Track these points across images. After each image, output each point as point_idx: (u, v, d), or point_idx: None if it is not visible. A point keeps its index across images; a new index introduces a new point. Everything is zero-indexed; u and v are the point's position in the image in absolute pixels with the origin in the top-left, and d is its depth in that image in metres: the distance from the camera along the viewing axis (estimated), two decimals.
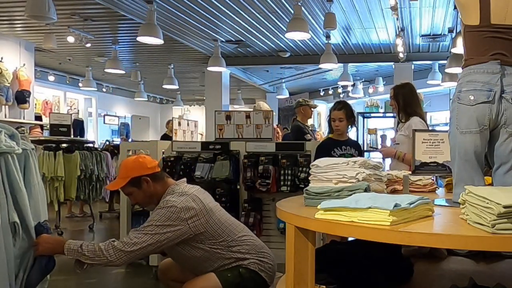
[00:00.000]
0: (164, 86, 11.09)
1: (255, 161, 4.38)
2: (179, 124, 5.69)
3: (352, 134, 7.53)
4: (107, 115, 15.23)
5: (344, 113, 4.04)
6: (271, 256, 2.72)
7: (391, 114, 7.29)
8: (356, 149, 4.08)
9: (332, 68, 9.80)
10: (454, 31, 7.58)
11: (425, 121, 3.73)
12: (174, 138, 5.36)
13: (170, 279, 2.81)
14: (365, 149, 7.42)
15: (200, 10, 7.09)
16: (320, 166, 2.08)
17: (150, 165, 2.57)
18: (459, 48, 6.38)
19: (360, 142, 7.50)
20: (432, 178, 2.61)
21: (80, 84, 12.27)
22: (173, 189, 2.54)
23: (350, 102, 14.32)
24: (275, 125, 6.90)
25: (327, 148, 3.98)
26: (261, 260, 2.65)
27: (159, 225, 2.38)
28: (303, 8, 6.37)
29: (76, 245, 2.29)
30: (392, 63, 10.03)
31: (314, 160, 3.97)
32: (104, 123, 15.12)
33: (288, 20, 6.68)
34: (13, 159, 1.79)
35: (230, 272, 2.52)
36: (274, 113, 4.90)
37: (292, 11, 6.43)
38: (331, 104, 6.71)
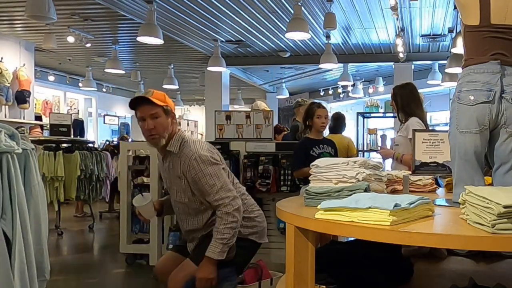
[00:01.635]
0: (164, 86, 11.08)
1: (255, 161, 4.38)
2: (179, 124, 5.69)
3: (352, 134, 7.57)
4: (107, 115, 15.23)
5: (327, 111, 4.15)
6: (261, 214, 2.78)
7: (391, 114, 7.29)
8: (332, 147, 4.17)
9: (332, 68, 9.80)
10: (454, 31, 7.58)
11: (425, 122, 3.72)
12: None
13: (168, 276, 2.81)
14: (365, 149, 7.43)
15: (200, 10, 7.09)
16: (320, 166, 2.08)
17: (174, 108, 2.67)
18: (459, 48, 6.38)
19: (360, 142, 7.51)
20: (433, 178, 2.61)
21: (80, 84, 12.27)
22: (183, 136, 2.59)
23: (350, 102, 14.27)
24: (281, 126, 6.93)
25: (305, 147, 4.05)
26: (249, 221, 2.66)
27: (213, 164, 2.48)
28: (303, 8, 6.37)
29: (217, 248, 2.41)
30: (392, 63, 10.02)
31: (294, 160, 4.02)
32: (104, 123, 15.11)
33: (288, 20, 6.68)
34: (13, 159, 1.79)
35: None
36: (273, 113, 4.90)
37: (292, 11, 6.43)
38: (331, 104, 6.75)
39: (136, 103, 2.48)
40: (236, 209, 2.46)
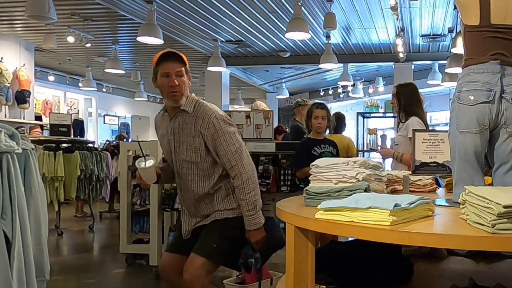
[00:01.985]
0: None
1: (255, 161, 4.36)
2: None
3: (352, 134, 7.57)
4: (107, 115, 15.23)
5: (326, 112, 4.15)
6: None
7: (391, 114, 7.29)
8: (334, 147, 4.20)
9: (332, 68, 9.81)
10: (454, 31, 7.58)
11: (425, 122, 3.72)
12: None
13: (172, 274, 2.80)
14: (365, 149, 7.43)
15: (200, 10, 7.09)
16: (320, 166, 2.08)
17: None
18: (459, 48, 6.38)
19: (360, 142, 7.52)
20: (433, 178, 2.61)
21: (80, 84, 12.27)
22: (197, 98, 2.61)
23: (350, 102, 14.26)
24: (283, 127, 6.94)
25: (306, 147, 4.07)
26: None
27: (232, 125, 2.52)
28: (303, 8, 6.37)
29: (253, 219, 2.48)
30: (392, 63, 10.03)
31: (296, 160, 4.03)
32: (104, 123, 15.12)
33: (288, 20, 6.68)
34: (13, 159, 1.79)
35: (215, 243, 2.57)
36: (273, 113, 4.90)
37: (292, 11, 6.43)
38: (331, 104, 6.75)
39: (164, 59, 2.50)
40: (252, 172, 2.49)
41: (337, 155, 4.15)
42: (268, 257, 2.76)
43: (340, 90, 13.31)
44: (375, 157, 7.69)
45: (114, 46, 9.11)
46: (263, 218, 2.53)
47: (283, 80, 13.21)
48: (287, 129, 7.01)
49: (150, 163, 2.58)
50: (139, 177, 2.66)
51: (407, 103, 3.69)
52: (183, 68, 2.52)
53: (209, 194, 2.57)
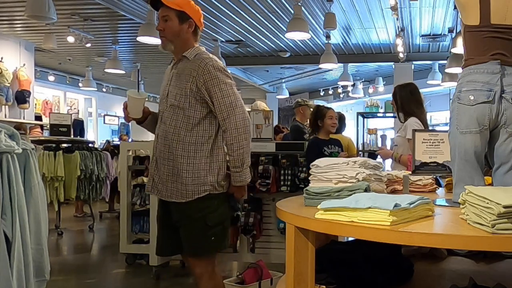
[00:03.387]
0: None
1: (255, 161, 4.38)
2: None
3: (352, 134, 7.57)
4: (107, 115, 15.23)
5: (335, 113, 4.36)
6: None
7: (391, 114, 7.29)
8: (340, 146, 4.36)
9: (332, 68, 9.81)
10: (454, 31, 7.58)
11: (425, 122, 3.70)
12: None
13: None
14: (365, 149, 7.42)
15: (200, 10, 7.09)
16: (320, 166, 2.08)
17: (201, 19, 2.55)
18: (459, 48, 6.38)
19: (360, 142, 7.51)
20: (433, 178, 2.61)
21: (80, 84, 12.27)
22: (203, 50, 2.52)
23: (350, 102, 14.27)
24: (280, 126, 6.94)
25: (318, 147, 4.17)
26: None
27: (229, 77, 2.42)
28: (303, 8, 6.37)
29: (239, 176, 2.41)
30: (392, 63, 10.03)
31: (307, 160, 4.06)
32: (104, 123, 15.12)
33: (288, 20, 6.68)
34: (13, 159, 1.79)
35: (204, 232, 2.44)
36: (273, 113, 4.91)
37: (292, 11, 6.43)
38: (331, 104, 6.76)
39: (154, 4, 2.49)
40: (244, 129, 2.37)
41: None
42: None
43: (340, 90, 13.32)
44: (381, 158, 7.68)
45: (114, 46, 9.11)
46: (249, 176, 2.46)
47: (283, 80, 13.21)
48: (284, 128, 7.02)
49: (142, 95, 2.54)
50: (125, 107, 2.57)
51: (404, 103, 3.69)
52: (170, 13, 2.44)
53: (188, 151, 2.39)
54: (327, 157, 2.50)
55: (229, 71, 2.47)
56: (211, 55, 2.48)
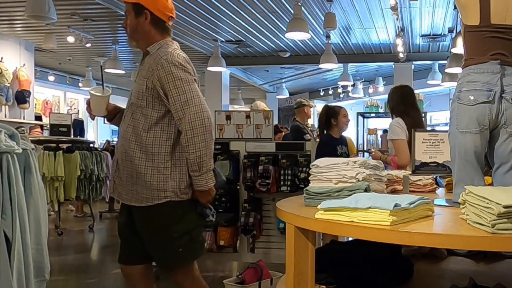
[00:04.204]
0: None
1: (255, 161, 4.38)
2: None
3: (352, 134, 7.58)
4: None
5: None
6: None
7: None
8: (346, 146, 4.52)
9: (332, 68, 9.81)
10: (454, 31, 7.58)
11: (417, 123, 3.57)
12: None
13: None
14: (365, 149, 7.43)
15: (200, 10, 7.10)
16: (320, 166, 2.08)
17: (164, 9, 2.30)
18: (459, 48, 6.38)
19: (360, 142, 7.52)
20: (433, 178, 2.61)
21: (80, 84, 12.27)
22: (168, 43, 2.31)
23: (350, 102, 14.32)
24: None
25: (332, 145, 4.30)
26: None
27: (185, 71, 2.20)
28: (303, 8, 6.37)
29: (200, 180, 2.21)
30: (392, 63, 10.03)
31: (319, 157, 4.10)
32: (104, 123, 14.86)
33: (288, 20, 6.68)
34: (13, 159, 1.79)
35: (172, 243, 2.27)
36: (273, 113, 4.92)
37: (292, 11, 6.43)
38: (332, 104, 6.75)
39: None
40: (202, 130, 2.15)
41: (348, 154, 4.42)
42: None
43: (340, 90, 13.32)
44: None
45: (114, 46, 9.12)
46: (212, 181, 2.25)
47: (283, 80, 13.22)
48: (283, 128, 7.02)
49: (106, 92, 2.44)
50: (88, 104, 2.46)
51: (395, 105, 3.70)
52: (128, 8, 2.29)
53: (146, 153, 2.22)
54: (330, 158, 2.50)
55: (189, 66, 2.25)
56: (174, 48, 2.27)
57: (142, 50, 2.36)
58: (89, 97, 2.48)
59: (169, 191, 2.22)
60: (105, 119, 2.55)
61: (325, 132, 4.49)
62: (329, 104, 4.84)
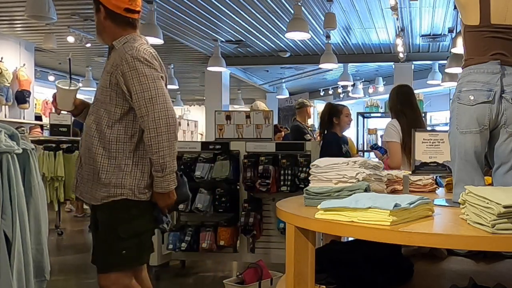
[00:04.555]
0: None
1: (255, 161, 4.38)
2: (179, 124, 5.70)
3: (352, 134, 7.59)
4: None
5: None
6: None
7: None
8: (347, 144, 4.55)
9: (332, 68, 9.81)
10: (454, 31, 7.58)
11: (417, 122, 3.57)
12: None
13: None
14: (365, 149, 7.43)
15: (200, 10, 7.09)
16: (320, 166, 2.08)
17: (117, 1, 2.19)
18: (459, 48, 6.38)
19: (360, 142, 7.52)
20: (433, 178, 2.61)
21: (80, 84, 12.24)
22: (134, 37, 2.22)
23: (350, 102, 14.32)
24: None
25: (339, 144, 4.34)
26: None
27: (150, 67, 2.11)
28: (303, 8, 6.37)
29: (162, 182, 2.12)
30: (392, 63, 10.03)
31: (325, 154, 4.12)
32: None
33: (288, 20, 6.68)
34: (13, 159, 1.80)
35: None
36: (273, 113, 4.93)
37: (292, 11, 6.43)
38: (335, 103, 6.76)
39: None
40: (166, 128, 2.06)
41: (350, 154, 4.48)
42: (171, 212, 2.41)
43: (340, 90, 13.31)
44: (375, 157, 7.69)
45: None
46: (174, 183, 2.16)
47: (283, 80, 13.21)
48: (282, 128, 7.02)
49: (73, 86, 2.38)
50: (54, 98, 2.39)
51: (393, 105, 3.69)
52: (95, 5, 2.22)
53: (109, 150, 2.15)
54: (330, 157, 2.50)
55: (156, 62, 2.16)
56: (141, 43, 2.18)
57: (109, 45, 2.28)
58: (55, 90, 2.40)
59: (127, 189, 2.14)
60: (72, 114, 2.49)
61: (325, 131, 4.48)
62: (332, 103, 4.82)
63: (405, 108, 3.55)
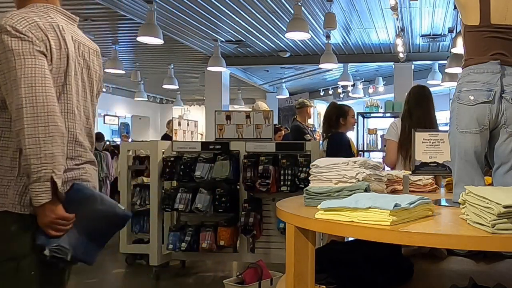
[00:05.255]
0: (164, 86, 11.09)
1: (255, 161, 4.39)
2: (179, 124, 5.70)
3: (352, 134, 7.58)
4: (107, 115, 15.23)
5: None
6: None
7: (391, 114, 7.29)
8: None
9: (332, 68, 9.81)
10: (454, 31, 7.58)
11: (428, 121, 3.57)
12: (174, 138, 5.37)
13: None
14: (365, 149, 7.43)
15: (200, 10, 7.09)
16: (320, 166, 2.08)
17: None
18: (459, 48, 6.38)
19: (360, 142, 7.52)
20: (433, 178, 2.61)
21: None
22: (33, 6, 1.71)
23: (350, 102, 14.32)
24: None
25: (348, 144, 4.42)
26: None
27: (20, 39, 1.55)
28: (303, 8, 6.37)
29: (37, 187, 1.54)
30: (392, 63, 10.03)
31: (334, 154, 4.14)
32: (104, 123, 15.11)
33: (288, 20, 6.68)
34: None
35: None
36: (273, 113, 4.93)
37: (292, 11, 6.43)
38: (340, 103, 6.76)
39: None
40: (35, 120, 1.51)
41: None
42: (103, 241, 1.74)
43: (340, 90, 13.31)
44: (375, 157, 7.70)
45: (114, 46, 9.11)
46: (46, 195, 1.53)
47: (283, 80, 13.21)
48: (282, 128, 7.02)
49: None
50: None
51: (405, 105, 3.67)
52: None
53: None
54: (330, 158, 2.50)
55: (34, 33, 1.58)
56: (23, 11, 1.64)
57: None
58: None
59: (9, 198, 1.58)
60: None
61: (332, 131, 4.48)
62: (337, 103, 4.83)
63: (413, 109, 3.51)
